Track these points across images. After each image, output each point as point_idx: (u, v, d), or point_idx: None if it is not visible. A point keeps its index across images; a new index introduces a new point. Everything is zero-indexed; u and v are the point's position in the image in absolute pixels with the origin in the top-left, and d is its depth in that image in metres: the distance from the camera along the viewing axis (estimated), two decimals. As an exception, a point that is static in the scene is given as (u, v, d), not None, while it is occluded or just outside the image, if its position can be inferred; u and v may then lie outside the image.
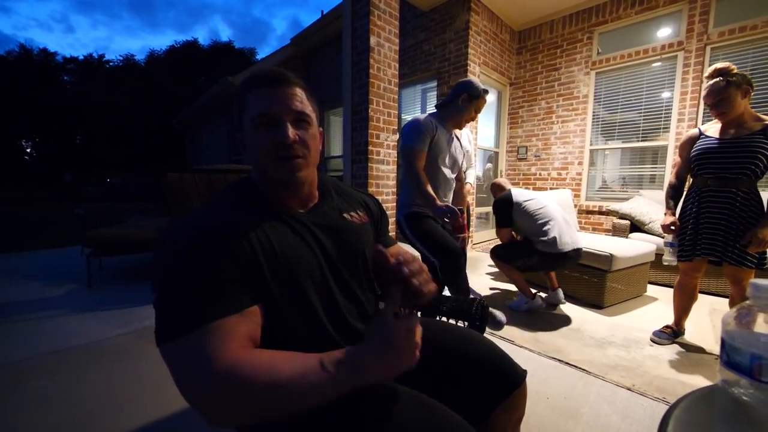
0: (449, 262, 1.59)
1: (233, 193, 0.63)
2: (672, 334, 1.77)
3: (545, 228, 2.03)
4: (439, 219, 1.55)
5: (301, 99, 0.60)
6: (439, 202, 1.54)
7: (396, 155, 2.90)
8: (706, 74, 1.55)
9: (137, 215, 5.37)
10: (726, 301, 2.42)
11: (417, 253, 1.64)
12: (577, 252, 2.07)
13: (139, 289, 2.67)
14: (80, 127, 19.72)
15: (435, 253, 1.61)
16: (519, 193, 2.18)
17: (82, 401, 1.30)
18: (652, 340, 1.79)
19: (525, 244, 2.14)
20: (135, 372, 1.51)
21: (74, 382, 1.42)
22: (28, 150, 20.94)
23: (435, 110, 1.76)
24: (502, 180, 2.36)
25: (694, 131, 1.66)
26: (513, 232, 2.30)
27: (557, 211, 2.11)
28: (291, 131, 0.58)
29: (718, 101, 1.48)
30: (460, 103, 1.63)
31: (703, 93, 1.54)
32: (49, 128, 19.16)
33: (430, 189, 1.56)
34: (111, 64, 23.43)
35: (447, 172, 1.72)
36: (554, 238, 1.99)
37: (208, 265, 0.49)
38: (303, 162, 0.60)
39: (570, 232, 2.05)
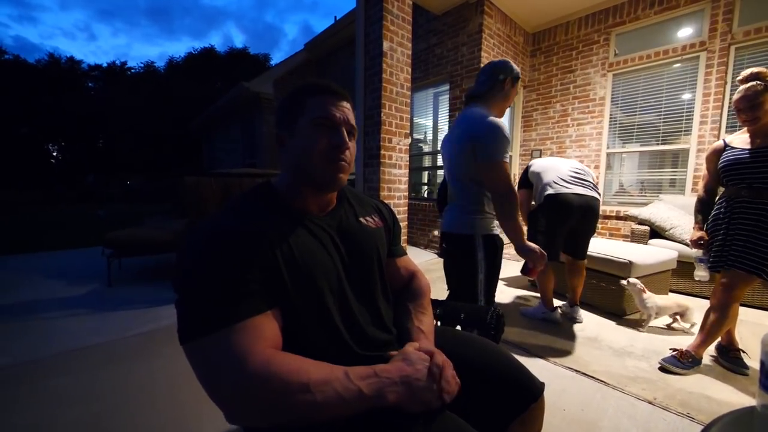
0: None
1: (253, 197, 0.64)
2: (735, 356, 1.60)
3: (542, 178, 2.05)
4: (524, 258, 1.29)
5: (352, 115, 0.67)
6: (528, 241, 1.28)
7: (407, 159, 2.90)
8: (739, 78, 1.49)
9: (156, 217, 5.52)
10: (752, 311, 2.31)
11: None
12: (583, 198, 1.95)
13: (158, 289, 2.73)
14: (103, 131, 20.48)
15: (488, 293, 1.36)
16: (541, 159, 2.22)
17: (98, 400, 1.33)
18: (732, 370, 1.56)
19: (533, 213, 2.12)
20: (151, 372, 1.54)
21: (92, 381, 1.46)
22: (54, 153, 21.84)
23: (476, 106, 1.37)
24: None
25: (719, 143, 1.62)
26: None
27: (565, 166, 2.07)
28: (347, 138, 0.63)
29: (752, 105, 1.42)
30: (505, 88, 1.35)
31: (736, 96, 1.47)
32: (73, 133, 19.97)
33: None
34: (133, 70, 24.30)
35: None
36: (545, 185, 2.01)
37: (232, 264, 0.50)
38: (347, 167, 0.64)
39: (571, 183, 1.99)
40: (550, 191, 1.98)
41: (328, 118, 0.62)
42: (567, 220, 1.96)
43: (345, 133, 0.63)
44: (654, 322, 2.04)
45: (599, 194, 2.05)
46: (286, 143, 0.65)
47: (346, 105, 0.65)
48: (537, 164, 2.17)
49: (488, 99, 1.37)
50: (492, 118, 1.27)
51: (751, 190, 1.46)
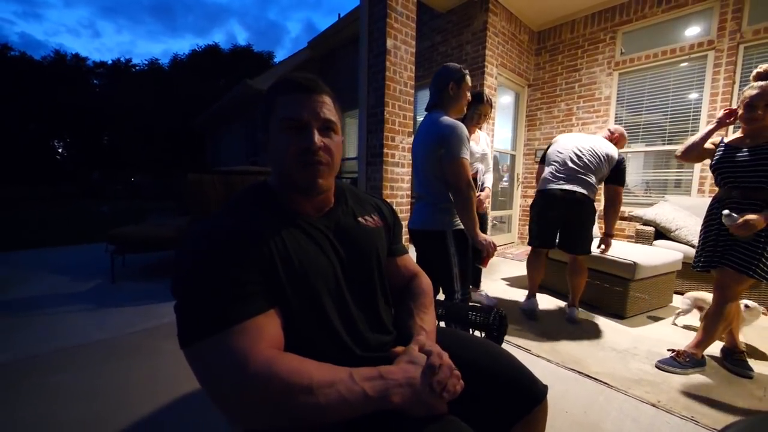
0: (464, 299, 1.51)
1: (249, 197, 0.63)
2: (739, 358, 1.58)
3: (545, 169, 2.15)
4: (479, 247, 1.43)
5: (329, 107, 0.61)
6: (483, 234, 1.43)
7: (411, 158, 2.88)
8: (758, 69, 1.48)
9: (159, 214, 5.54)
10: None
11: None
12: (569, 194, 1.98)
13: (160, 285, 2.74)
14: (107, 128, 20.60)
15: (463, 282, 1.50)
16: (564, 137, 2.21)
17: (100, 396, 1.33)
18: (736, 373, 1.54)
19: (531, 204, 2.23)
20: (153, 368, 1.54)
21: (94, 377, 1.46)
22: (60, 150, 21.98)
23: (436, 112, 1.53)
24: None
25: (716, 140, 1.63)
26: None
27: (569, 154, 2.06)
28: (317, 138, 0.58)
29: (766, 104, 1.40)
30: (451, 93, 1.51)
31: (752, 92, 1.42)
32: (79, 129, 20.10)
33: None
34: (137, 68, 24.40)
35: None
36: (541, 180, 2.14)
37: (229, 265, 0.50)
38: (326, 169, 0.61)
39: (561, 179, 2.03)
40: (540, 187, 2.16)
41: (293, 119, 0.57)
42: (550, 212, 2.09)
43: (315, 132, 0.58)
44: (660, 323, 2.03)
45: (594, 190, 2.01)
46: (267, 147, 0.62)
47: (319, 98, 0.60)
48: (552, 148, 2.21)
49: (444, 105, 1.54)
50: (452, 121, 1.44)
51: (740, 191, 1.48)
